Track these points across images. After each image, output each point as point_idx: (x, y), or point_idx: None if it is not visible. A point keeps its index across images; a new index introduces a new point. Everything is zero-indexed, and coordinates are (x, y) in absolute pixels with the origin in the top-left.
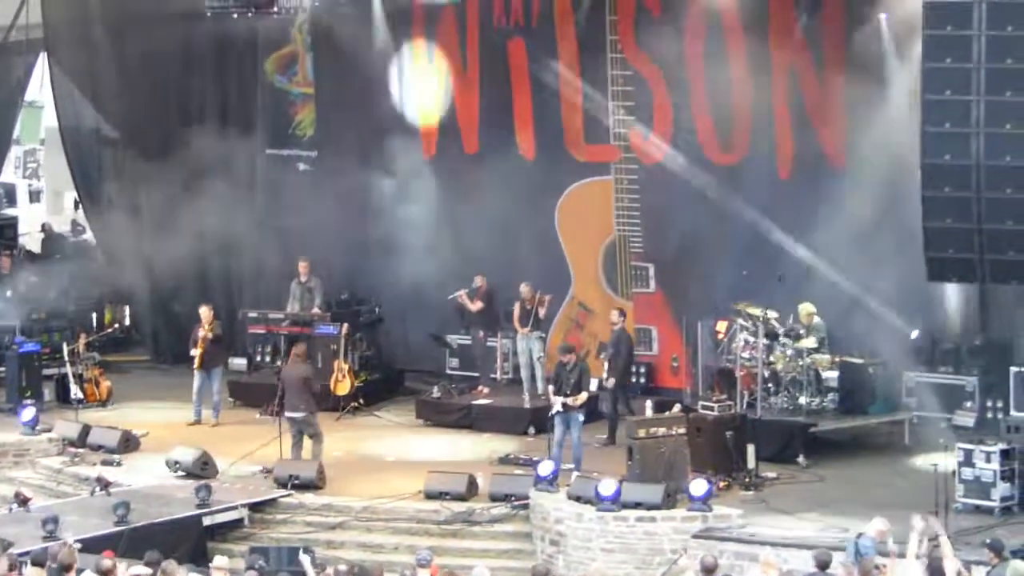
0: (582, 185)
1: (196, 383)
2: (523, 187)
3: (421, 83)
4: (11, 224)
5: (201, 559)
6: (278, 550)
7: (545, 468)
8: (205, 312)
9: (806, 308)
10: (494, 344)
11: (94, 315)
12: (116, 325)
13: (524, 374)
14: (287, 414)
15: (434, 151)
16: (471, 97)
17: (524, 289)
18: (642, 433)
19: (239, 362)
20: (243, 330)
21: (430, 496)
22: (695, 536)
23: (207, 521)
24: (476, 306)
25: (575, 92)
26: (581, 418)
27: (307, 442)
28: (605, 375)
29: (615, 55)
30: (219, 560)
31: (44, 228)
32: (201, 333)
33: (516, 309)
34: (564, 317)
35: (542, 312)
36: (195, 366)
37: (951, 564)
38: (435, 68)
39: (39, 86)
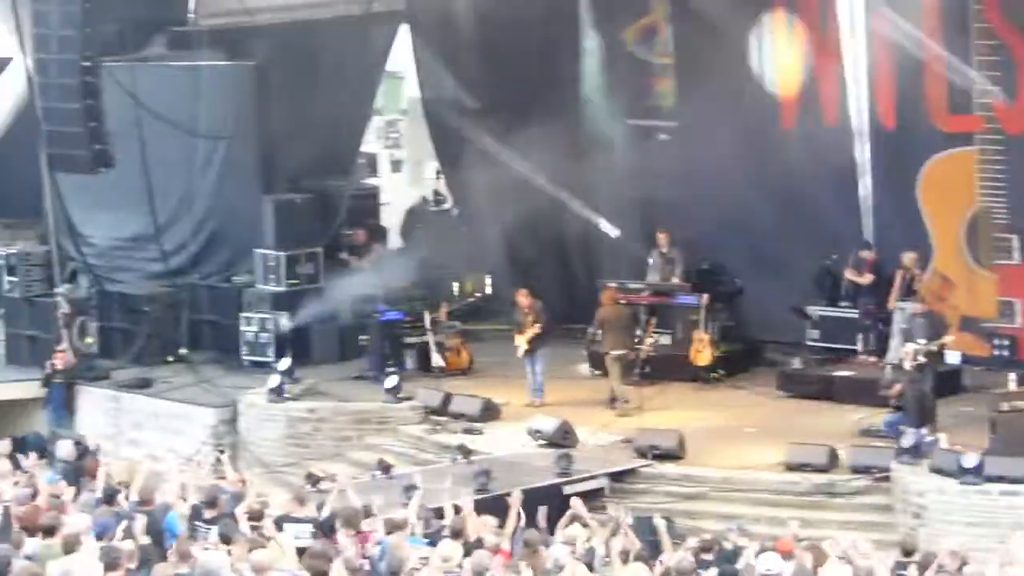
0: (946, 156)
1: (527, 367)
2: (882, 157)
3: (781, 52)
4: (372, 195)
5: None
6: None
7: (908, 439)
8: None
9: None
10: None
11: (455, 284)
12: (477, 294)
13: (892, 343)
14: (614, 352)
15: (794, 122)
16: (831, 67)
17: (907, 258)
18: (1006, 407)
19: None
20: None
21: (791, 468)
22: None
23: (567, 490)
24: (866, 279)
25: (938, 61)
26: None
27: None
28: None
29: (979, 24)
30: None
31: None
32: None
33: (897, 279)
34: (925, 289)
35: (916, 284)
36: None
37: None
38: (795, 37)
39: (401, 57)
